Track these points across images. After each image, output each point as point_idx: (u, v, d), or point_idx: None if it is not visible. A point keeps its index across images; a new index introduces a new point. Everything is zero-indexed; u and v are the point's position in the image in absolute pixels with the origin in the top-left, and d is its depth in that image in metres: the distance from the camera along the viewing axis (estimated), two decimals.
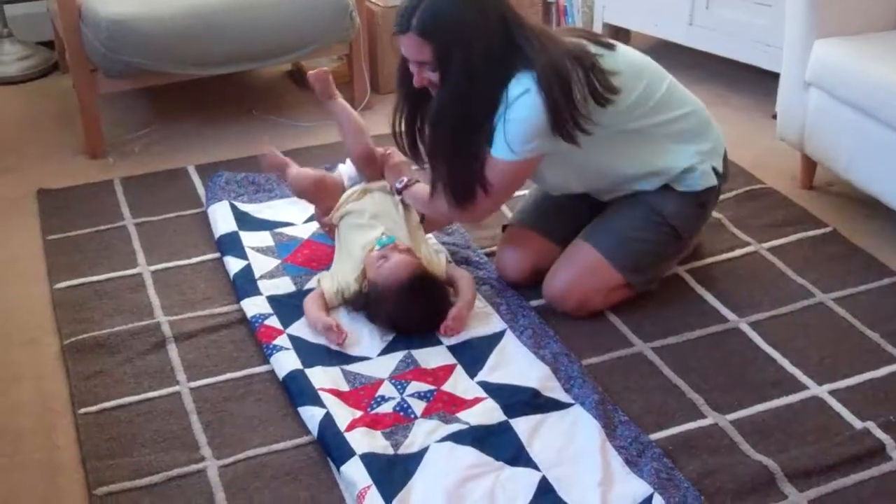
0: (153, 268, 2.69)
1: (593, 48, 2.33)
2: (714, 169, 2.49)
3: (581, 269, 2.45)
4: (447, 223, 2.73)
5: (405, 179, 2.56)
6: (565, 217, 2.59)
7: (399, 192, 2.56)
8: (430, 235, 2.74)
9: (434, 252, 2.58)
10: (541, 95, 2.21)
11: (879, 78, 2.65)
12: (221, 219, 2.83)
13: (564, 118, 2.24)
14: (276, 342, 2.34)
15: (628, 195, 2.50)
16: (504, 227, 2.67)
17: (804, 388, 2.25)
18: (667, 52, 3.85)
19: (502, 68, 2.25)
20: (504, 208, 2.93)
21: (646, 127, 2.40)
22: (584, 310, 2.46)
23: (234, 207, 2.88)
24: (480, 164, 2.32)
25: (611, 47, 2.38)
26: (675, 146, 2.44)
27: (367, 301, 2.42)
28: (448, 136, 2.31)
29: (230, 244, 2.72)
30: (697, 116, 2.49)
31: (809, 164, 3.09)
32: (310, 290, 2.51)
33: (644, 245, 2.47)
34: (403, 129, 2.46)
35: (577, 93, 2.24)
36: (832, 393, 2.23)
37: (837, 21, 2.87)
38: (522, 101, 2.23)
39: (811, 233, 2.85)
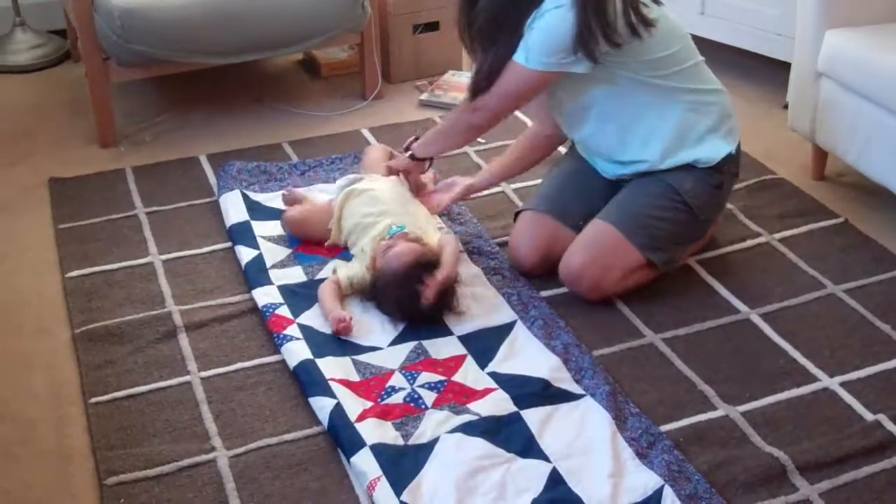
0: (164, 257, 2.70)
1: None
2: (730, 154, 2.51)
3: (598, 246, 2.45)
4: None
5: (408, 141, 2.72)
6: (580, 202, 2.59)
7: (407, 148, 2.69)
8: (441, 224, 2.75)
9: (435, 229, 2.62)
10: (573, 11, 2.28)
11: (891, 68, 2.64)
12: (233, 208, 2.83)
13: (591, 34, 2.30)
14: (286, 332, 2.34)
15: (646, 173, 2.51)
16: (516, 215, 2.67)
17: (815, 379, 2.24)
18: None
19: None
20: (515, 197, 2.93)
21: (674, 88, 2.44)
22: (599, 290, 2.45)
23: (245, 197, 2.88)
24: (501, 63, 2.40)
25: (657, 2, 2.44)
26: (699, 117, 2.48)
27: (374, 289, 2.42)
28: (488, 25, 2.40)
29: (242, 233, 2.73)
30: (724, 100, 2.54)
31: (821, 155, 3.07)
32: (321, 280, 2.51)
33: (661, 222, 2.47)
34: (462, 13, 2.50)
35: (610, 13, 2.30)
36: (843, 385, 2.22)
37: (849, 11, 2.85)
38: (554, 14, 2.30)
39: (822, 223, 2.84)
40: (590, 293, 2.46)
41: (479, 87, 2.46)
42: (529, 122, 2.85)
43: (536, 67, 2.37)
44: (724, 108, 2.54)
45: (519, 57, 2.38)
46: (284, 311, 2.41)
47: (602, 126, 2.51)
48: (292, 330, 2.35)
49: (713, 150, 2.49)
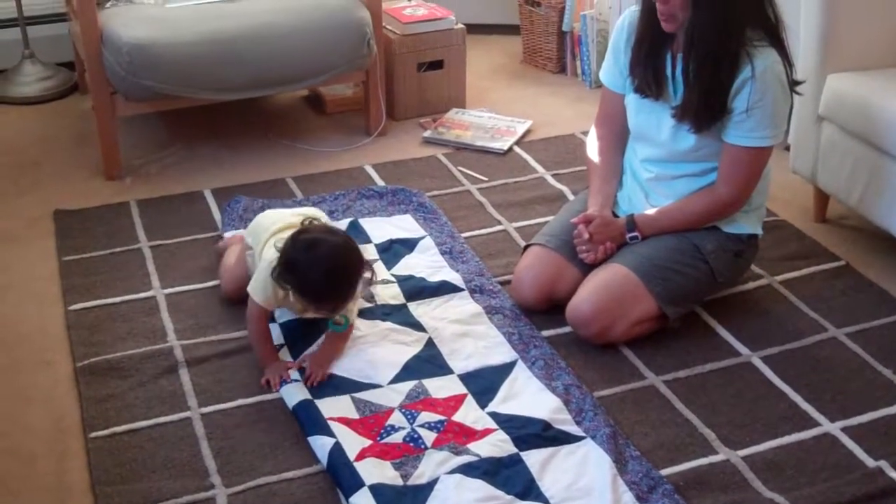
0: (167, 291, 2.71)
1: None
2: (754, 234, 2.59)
3: (611, 291, 2.44)
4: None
5: (636, 233, 2.56)
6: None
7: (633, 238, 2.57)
8: (444, 263, 2.75)
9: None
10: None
11: (892, 113, 2.65)
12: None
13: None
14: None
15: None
16: (525, 249, 2.68)
17: (817, 424, 2.24)
18: None
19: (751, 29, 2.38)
20: (517, 236, 2.94)
21: None
22: (606, 338, 2.45)
23: None
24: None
25: None
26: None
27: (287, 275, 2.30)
28: (706, 62, 2.37)
29: None
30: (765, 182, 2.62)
31: (822, 197, 3.08)
32: (317, 318, 2.46)
33: (680, 276, 2.48)
34: (633, 46, 2.51)
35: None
36: (845, 430, 2.22)
37: (850, 56, 2.87)
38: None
39: (824, 266, 2.84)
40: (596, 339, 2.46)
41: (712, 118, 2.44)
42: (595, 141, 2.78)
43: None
44: (765, 189, 2.61)
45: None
46: (285, 354, 2.42)
47: (674, 170, 2.55)
48: (293, 373, 2.34)
49: (740, 225, 2.55)
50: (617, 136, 2.71)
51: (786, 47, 2.42)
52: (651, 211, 2.57)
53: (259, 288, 2.36)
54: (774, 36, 2.40)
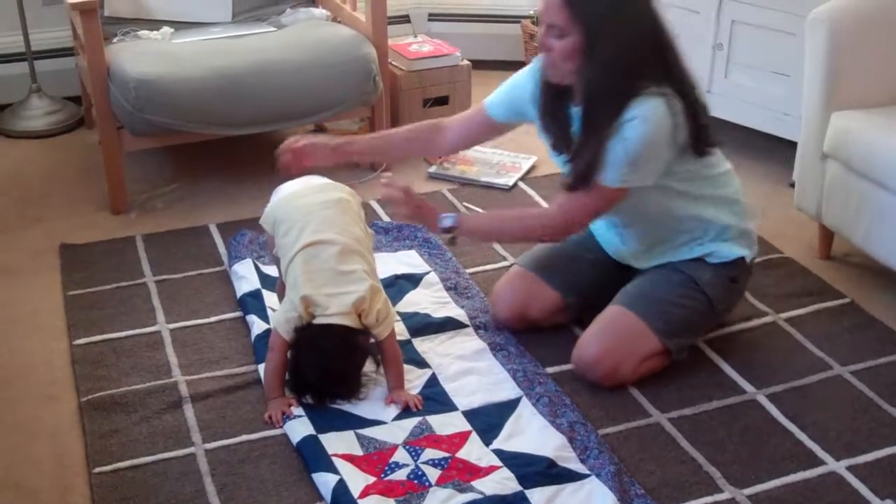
0: (172, 326, 2.71)
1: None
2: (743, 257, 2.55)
3: (615, 334, 2.44)
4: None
5: (454, 216, 2.45)
6: (569, 267, 2.62)
7: (449, 230, 2.44)
8: (448, 299, 2.75)
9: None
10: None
11: None
12: (245, 277, 2.85)
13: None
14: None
15: (663, 265, 2.53)
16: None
17: (822, 463, 2.23)
18: None
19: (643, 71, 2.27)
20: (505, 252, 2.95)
21: (700, 177, 2.45)
22: (613, 379, 2.45)
23: (257, 268, 2.90)
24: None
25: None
26: (718, 207, 2.50)
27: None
28: (602, 107, 2.27)
29: (253, 303, 2.74)
30: (735, 182, 2.56)
31: (827, 234, 3.09)
32: None
33: (680, 309, 2.48)
34: (538, 114, 2.45)
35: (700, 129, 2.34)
36: (850, 469, 2.21)
37: (855, 93, 2.89)
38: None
39: (829, 304, 2.84)
40: (604, 381, 2.45)
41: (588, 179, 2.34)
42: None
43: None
44: (735, 192, 2.56)
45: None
46: (288, 391, 2.41)
47: (633, 221, 2.53)
48: (295, 409, 2.34)
49: (727, 252, 2.53)
50: (445, 139, 2.67)
51: (691, 96, 2.31)
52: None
53: (282, 321, 2.35)
54: (675, 85, 2.29)
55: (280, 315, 2.37)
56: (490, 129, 2.66)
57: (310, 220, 2.43)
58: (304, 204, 2.50)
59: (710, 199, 2.49)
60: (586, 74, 2.26)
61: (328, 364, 2.30)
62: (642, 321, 2.44)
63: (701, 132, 2.35)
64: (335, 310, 2.29)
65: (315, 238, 2.38)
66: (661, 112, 2.25)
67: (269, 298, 2.75)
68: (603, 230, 2.65)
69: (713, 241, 2.52)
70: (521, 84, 2.54)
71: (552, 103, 2.42)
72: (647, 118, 2.24)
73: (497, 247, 3.11)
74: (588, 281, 2.63)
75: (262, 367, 2.46)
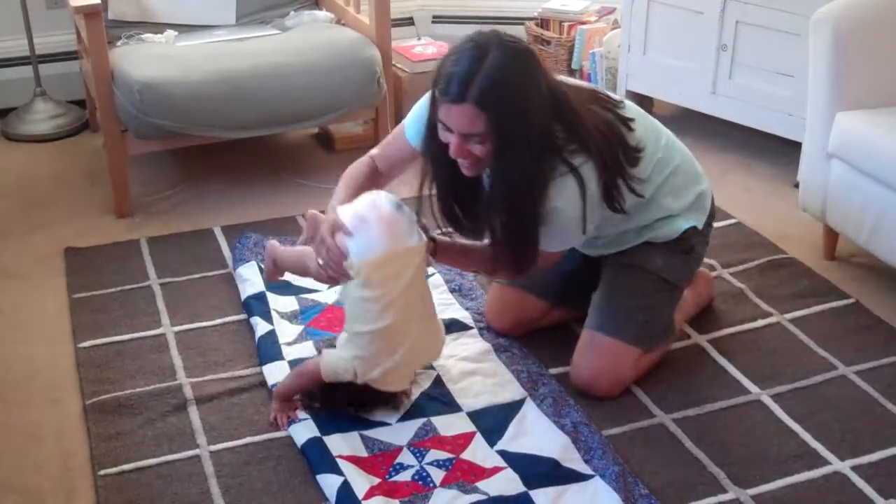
0: (176, 328, 2.71)
1: (612, 116, 2.33)
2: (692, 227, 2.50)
3: (600, 355, 2.45)
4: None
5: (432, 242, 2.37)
6: (553, 273, 2.56)
7: (432, 240, 2.37)
8: (452, 300, 2.75)
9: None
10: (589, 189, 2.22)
11: None
12: (250, 279, 2.85)
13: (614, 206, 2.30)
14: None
15: (615, 254, 2.51)
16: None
17: (826, 463, 2.23)
18: (690, 121, 3.88)
19: (555, 148, 2.20)
20: None
21: (638, 203, 2.39)
22: (616, 391, 2.45)
23: (261, 270, 2.90)
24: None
25: (621, 105, 2.38)
26: (664, 199, 2.45)
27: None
28: (517, 212, 2.21)
29: (258, 305, 2.74)
30: (684, 171, 2.49)
31: (832, 235, 3.08)
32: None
33: (647, 311, 2.48)
34: (438, 197, 2.34)
35: (619, 183, 2.29)
36: (855, 469, 2.21)
37: (860, 94, 2.88)
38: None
39: (833, 304, 2.84)
40: (609, 394, 2.45)
41: (528, 263, 2.31)
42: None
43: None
44: (685, 178, 2.49)
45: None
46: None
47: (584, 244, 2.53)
48: (299, 413, 2.34)
49: (675, 228, 2.47)
50: (384, 182, 2.58)
51: (616, 169, 2.26)
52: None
53: (334, 370, 2.27)
54: (580, 141, 2.20)
55: (335, 361, 2.28)
56: (413, 157, 2.48)
57: (397, 299, 2.28)
58: (394, 274, 2.29)
59: (655, 207, 2.44)
60: (502, 169, 2.18)
61: (361, 412, 2.35)
62: (615, 339, 2.43)
63: (610, 189, 2.27)
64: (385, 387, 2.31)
65: (394, 323, 2.27)
66: (577, 194, 2.20)
67: (273, 302, 2.76)
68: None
69: (658, 224, 2.46)
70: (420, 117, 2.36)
71: (463, 195, 2.32)
72: (567, 203, 2.21)
73: None
74: (563, 279, 2.60)
75: (266, 370, 2.48)
